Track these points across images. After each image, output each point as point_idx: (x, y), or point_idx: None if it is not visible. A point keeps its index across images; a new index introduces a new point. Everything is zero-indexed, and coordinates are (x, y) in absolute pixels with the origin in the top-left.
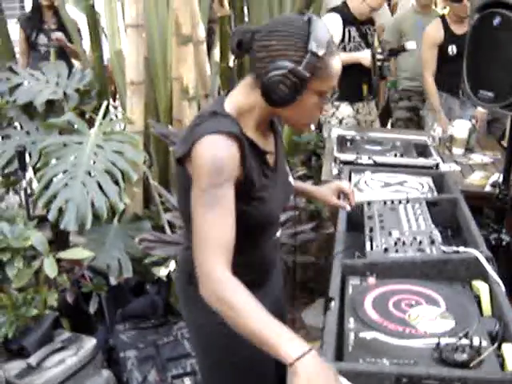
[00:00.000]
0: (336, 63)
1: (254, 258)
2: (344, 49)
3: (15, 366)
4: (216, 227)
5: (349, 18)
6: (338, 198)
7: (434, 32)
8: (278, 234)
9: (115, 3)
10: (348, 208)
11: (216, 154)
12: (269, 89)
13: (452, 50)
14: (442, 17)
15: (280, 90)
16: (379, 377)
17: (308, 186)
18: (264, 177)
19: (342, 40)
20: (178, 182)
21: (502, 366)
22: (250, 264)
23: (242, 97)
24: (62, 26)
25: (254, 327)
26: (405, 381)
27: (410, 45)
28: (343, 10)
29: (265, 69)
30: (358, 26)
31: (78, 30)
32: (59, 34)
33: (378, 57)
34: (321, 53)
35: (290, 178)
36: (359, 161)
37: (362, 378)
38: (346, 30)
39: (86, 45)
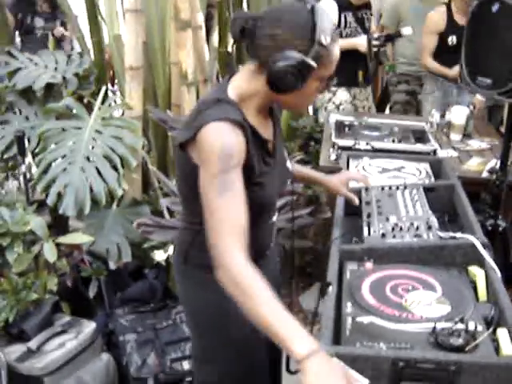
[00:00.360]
0: (337, 49)
1: (249, 240)
2: (340, 34)
3: (16, 349)
4: (230, 212)
5: (344, 4)
6: (360, 204)
7: (437, 19)
8: (275, 218)
9: None
10: (357, 202)
11: (225, 140)
12: (276, 77)
13: (452, 40)
14: (448, 5)
15: (288, 79)
16: (376, 360)
17: (319, 175)
18: (264, 163)
19: (338, 25)
20: (178, 166)
21: (497, 350)
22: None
23: (244, 83)
24: (54, 8)
25: (268, 318)
26: (401, 364)
27: (406, 30)
28: None
29: (271, 57)
30: (354, 11)
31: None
32: (61, 29)
33: (374, 43)
34: (326, 42)
35: (288, 164)
36: (357, 146)
37: (359, 361)
38: (342, 15)
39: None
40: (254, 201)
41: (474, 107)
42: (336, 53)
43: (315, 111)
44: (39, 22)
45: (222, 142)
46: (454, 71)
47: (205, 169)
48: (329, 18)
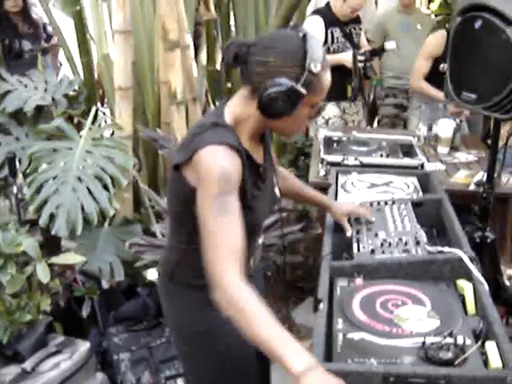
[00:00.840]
0: (328, 76)
1: None
2: (328, 50)
3: (10, 371)
4: (227, 235)
5: (332, 19)
6: (349, 219)
7: (435, 44)
8: (260, 241)
9: (101, 8)
10: (349, 234)
11: (223, 163)
12: (267, 104)
13: (444, 68)
14: (448, 30)
15: (278, 105)
16: (367, 376)
17: (323, 197)
18: (256, 187)
19: (325, 41)
20: (172, 187)
21: (486, 363)
22: None
23: (239, 108)
24: (35, 27)
25: (264, 336)
26: (392, 379)
27: (390, 45)
28: (326, 12)
29: (263, 84)
30: (342, 26)
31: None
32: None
33: (360, 58)
34: (317, 70)
35: (276, 190)
36: (346, 162)
37: (350, 377)
38: (329, 31)
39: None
40: (244, 223)
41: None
42: (327, 80)
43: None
44: (27, 45)
45: (220, 165)
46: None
47: (203, 191)
48: (319, 46)
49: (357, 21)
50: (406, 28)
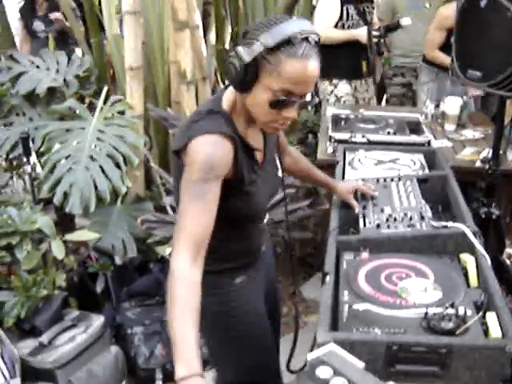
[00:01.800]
0: (293, 66)
1: (243, 245)
2: (342, 27)
3: (28, 344)
4: (195, 220)
5: None
6: (355, 195)
7: (447, 15)
8: (265, 220)
9: None
10: (357, 210)
11: (210, 151)
12: (226, 72)
13: None
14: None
15: (230, 73)
16: (371, 345)
17: (329, 179)
18: (253, 172)
19: (341, 18)
20: (173, 168)
21: (486, 333)
22: (239, 250)
23: (234, 93)
24: (50, 10)
25: (173, 330)
26: (395, 348)
27: (405, 21)
28: None
29: None
30: (356, 4)
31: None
32: (57, 14)
33: (375, 33)
34: (269, 45)
35: (279, 173)
36: (353, 139)
37: (355, 346)
38: (344, 8)
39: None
40: (243, 208)
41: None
42: (289, 69)
43: (317, 105)
44: (40, 26)
45: (207, 152)
46: None
47: (186, 175)
48: (293, 29)
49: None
50: (414, 6)
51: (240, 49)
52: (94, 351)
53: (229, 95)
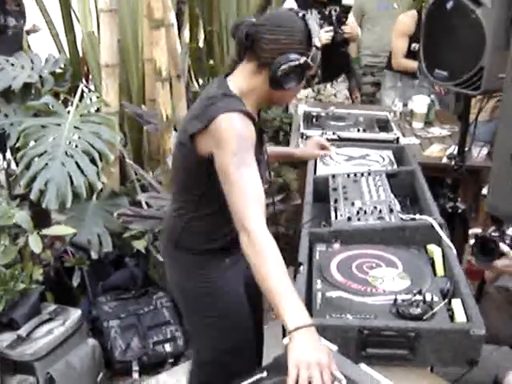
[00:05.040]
0: (316, 54)
1: (232, 226)
2: None
3: (6, 337)
4: (252, 184)
5: (310, 1)
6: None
7: (407, 22)
8: None
9: None
10: (333, 154)
11: (240, 126)
12: (282, 77)
13: (414, 47)
14: (419, 11)
15: (290, 78)
16: (343, 329)
17: (289, 149)
18: (259, 153)
19: None
20: (178, 155)
21: (452, 318)
22: (228, 232)
23: (244, 81)
24: (20, 5)
25: (273, 286)
26: (366, 332)
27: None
28: None
29: (276, 60)
30: (321, 7)
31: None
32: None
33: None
34: (319, 45)
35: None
36: (324, 136)
37: (328, 331)
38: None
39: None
40: None
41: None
42: (316, 59)
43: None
44: (11, 21)
45: (237, 127)
46: None
47: (223, 150)
48: (317, 25)
49: (337, 2)
50: (383, 7)
51: (298, 56)
52: (71, 344)
53: (236, 84)
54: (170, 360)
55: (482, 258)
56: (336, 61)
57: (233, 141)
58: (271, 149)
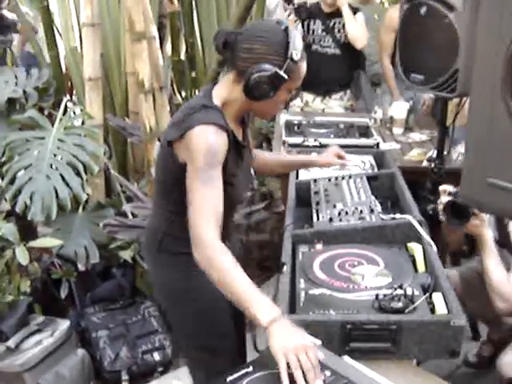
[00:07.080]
0: (304, 65)
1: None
2: (304, 40)
3: None
4: (209, 200)
5: (315, 10)
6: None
7: (396, 16)
8: (236, 216)
9: (68, 2)
10: (348, 164)
11: (211, 140)
12: (252, 87)
13: None
14: None
15: (262, 89)
16: (327, 325)
17: (311, 157)
18: (236, 166)
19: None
20: (161, 159)
21: (433, 311)
22: None
23: (225, 91)
24: (2, 19)
25: (237, 289)
26: (349, 327)
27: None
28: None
29: (249, 69)
30: (324, 18)
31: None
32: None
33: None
34: (297, 59)
35: (252, 170)
36: (306, 143)
37: (312, 326)
38: (306, 22)
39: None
40: (225, 199)
41: (424, 103)
42: (303, 69)
43: None
44: None
45: (208, 142)
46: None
47: (191, 164)
48: (299, 38)
49: (341, 14)
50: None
51: (269, 67)
52: (60, 354)
53: (219, 93)
54: (160, 368)
55: (454, 222)
56: (336, 74)
57: (200, 155)
58: (296, 157)
